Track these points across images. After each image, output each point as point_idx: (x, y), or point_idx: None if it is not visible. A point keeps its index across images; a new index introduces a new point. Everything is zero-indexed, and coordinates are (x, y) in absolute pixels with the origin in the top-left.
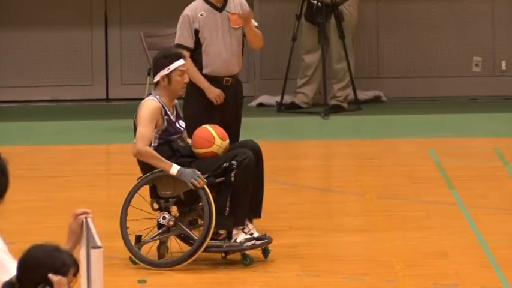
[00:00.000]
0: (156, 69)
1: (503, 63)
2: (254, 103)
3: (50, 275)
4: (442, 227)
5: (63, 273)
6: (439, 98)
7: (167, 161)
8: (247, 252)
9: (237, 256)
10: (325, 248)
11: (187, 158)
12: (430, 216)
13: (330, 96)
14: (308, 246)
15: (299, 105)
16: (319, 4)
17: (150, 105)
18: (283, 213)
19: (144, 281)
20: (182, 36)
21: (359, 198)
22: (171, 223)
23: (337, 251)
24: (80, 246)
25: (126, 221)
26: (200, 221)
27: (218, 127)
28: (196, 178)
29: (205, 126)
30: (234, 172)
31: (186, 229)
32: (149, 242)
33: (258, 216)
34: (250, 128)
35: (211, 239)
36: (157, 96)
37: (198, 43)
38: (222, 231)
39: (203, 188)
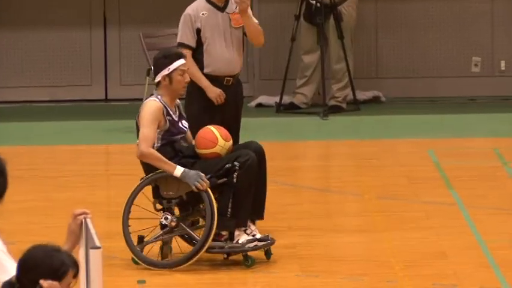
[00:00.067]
0: (156, 70)
1: (503, 64)
2: (253, 103)
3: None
4: (441, 227)
5: (62, 274)
6: (438, 98)
7: (171, 163)
8: (249, 253)
9: (239, 257)
10: (324, 249)
11: (189, 158)
12: (429, 217)
13: (329, 96)
14: (307, 247)
15: (298, 105)
16: (318, 4)
17: (151, 105)
18: (282, 214)
19: (143, 282)
20: (184, 35)
21: (358, 199)
22: (173, 224)
23: (336, 251)
24: (79, 247)
25: (128, 221)
26: (201, 222)
27: (222, 128)
28: (199, 181)
29: (208, 126)
30: (236, 173)
31: (188, 230)
32: (151, 242)
33: (261, 217)
34: (249, 129)
35: (213, 240)
36: (159, 97)
37: (199, 42)
38: (224, 232)
39: (206, 191)
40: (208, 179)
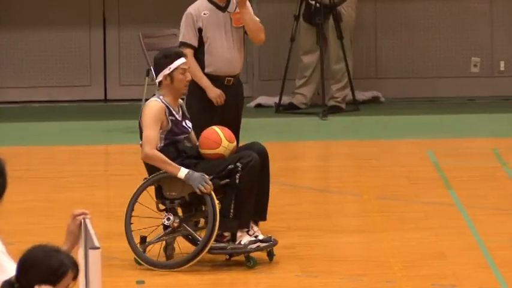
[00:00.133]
0: (157, 69)
1: (502, 64)
2: (252, 104)
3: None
4: (440, 228)
5: (61, 275)
6: (438, 98)
7: (175, 165)
8: (251, 254)
9: (241, 258)
10: (324, 249)
11: (193, 159)
12: (428, 217)
13: (328, 96)
14: (306, 247)
15: (297, 105)
16: (318, 5)
17: (153, 106)
18: (282, 214)
19: (142, 282)
20: (186, 34)
21: (357, 199)
22: (176, 224)
23: (335, 252)
24: (78, 247)
25: (130, 222)
26: (201, 223)
27: (226, 129)
28: (203, 184)
29: (213, 127)
30: (238, 174)
31: (191, 230)
32: (154, 243)
33: (264, 218)
34: (249, 129)
35: (216, 241)
36: (161, 97)
37: (200, 42)
38: (226, 233)
39: (209, 194)
40: (211, 180)
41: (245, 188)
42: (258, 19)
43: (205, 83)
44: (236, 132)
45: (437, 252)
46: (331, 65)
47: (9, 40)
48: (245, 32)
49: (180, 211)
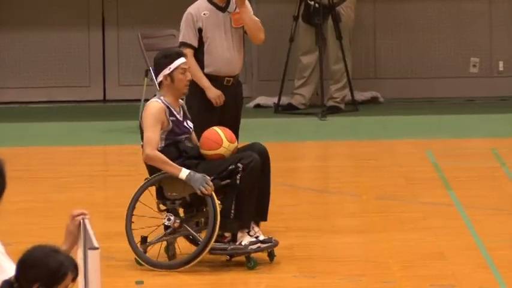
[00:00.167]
0: (157, 70)
1: (501, 64)
2: (251, 104)
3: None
4: (439, 228)
5: (61, 275)
6: (436, 98)
7: (176, 166)
8: (251, 255)
9: (241, 259)
10: (322, 249)
11: (193, 159)
12: (427, 217)
13: (327, 97)
14: (305, 248)
15: (296, 106)
16: (317, 5)
17: (153, 107)
18: (280, 215)
19: (141, 282)
20: (186, 34)
21: (356, 199)
22: (176, 225)
23: (334, 252)
24: (77, 247)
25: (131, 222)
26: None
27: (227, 129)
28: (204, 185)
29: (214, 127)
30: (239, 175)
31: (192, 231)
32: (155, 243)
33: (264, 219)
34: (248, 129)
35: (216, 241)
36: (162, 97)
37: (200, 42)
38: (227, 234)
39: (210, 195)
40: (211, 181)
41: (246, 189)
42: (257, 19)
43: (204, 83)
44: (235, 132)
45: (436, 253)
46: (330, 65)
47: (8, 40)
48: (245, 32)
49: (181, 211)
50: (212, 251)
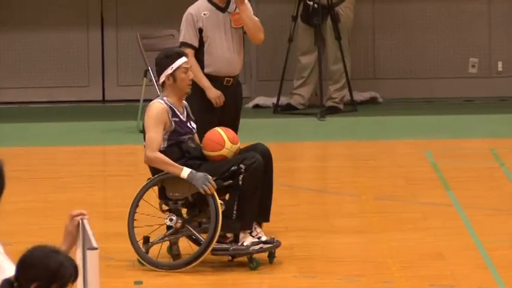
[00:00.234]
0: (159, 70)
1: (500, 64)
2: (250, 104)
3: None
4: (438, 228)
5: (61, 276)
6: (435, 99)
7: (177, 165)
8: (254, 255)
9: (244, 259)
10: (322, 249)
11: (196, 160)
12: (426, 218)
13: (326, 97)
14: (304, 248)
15: (295, 106)
16: (316, 5)
17: (154, 108)
18: (280, 215)
19: (140, 282)
20: (187, 34)
21: (355, 200)
22: (178, 225)
23: (333, 252)
24: (76, 248)
25: (133, 222)
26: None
27: (229, 130)
28: (207, 184)
29: (216, 128)
30: (242, 176)
31: (194, 231)
32: (157, 243)
33: (267, 220)
34: (247, 130)
35: (219, 242)
36: (165, 98)
37: (200, 42)
38: (229, 235)
39: (212, 194)
40: (214, 181)
41: (248, 190)
42: (257, 19)
43: (205, 83)
44: (235, 132)
45: (435, 253)
46: (329, 65)
47: (7, 41)
48: (244, 32)
49: (185, 212)
50: (214, 251)
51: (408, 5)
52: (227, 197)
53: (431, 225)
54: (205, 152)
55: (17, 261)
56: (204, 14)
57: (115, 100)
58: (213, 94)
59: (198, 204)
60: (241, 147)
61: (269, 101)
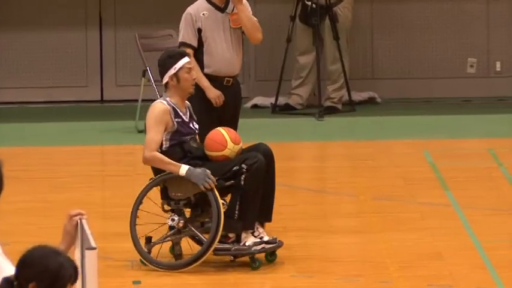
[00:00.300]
0: (163, 70)
1: (498, 64)
2: (248, 104)
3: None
4: (436, 228)
5: (61, 277)
6: (434, 99)
7: (175, 163)
8: (256, 255)
9: (246, 259)
10: (320, 249)
11: (198, 160)
12: (425, 218)
13: (324, 97)
14: (303, 248)
15: (293, 106)
16: (314, 5)
17: (156, 108)
18: (278, 215)
19: (138, 282)
20: (186, 34)
21: (353, 200)
22: (180, 225)
23: (331, 252)
24: (74, 247)
25: (135, 222)
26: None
27: (232, 130)
28: (207, 180)
29: (218, 128)
30: (243, 176)
31: (196, 231)
32: (159, 243)
33: (269, 220)
34: (245, 130)
35: (220, 242)
36: (168, 99)
37: (200, 42)
38: (231, 235)
39: (212, 190)
40: (216, 181)
41: (250, 190)
42: (256, 19)
43: (204, 83)
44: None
45: (433, 253)
46: (327, 65)
47: (6, 41)
48: (243, 32)
49: (189, 212)
50: (216, 251)
51: (406, 5)
52: (229, 197)
53: (430, 225)
54: (208, 152)
55: (16, 261)
56: (203, 14)
57: (113, 100)
58: (213, 94)
59: (200, 204)
60: (243, 147)
61: (267, 101)
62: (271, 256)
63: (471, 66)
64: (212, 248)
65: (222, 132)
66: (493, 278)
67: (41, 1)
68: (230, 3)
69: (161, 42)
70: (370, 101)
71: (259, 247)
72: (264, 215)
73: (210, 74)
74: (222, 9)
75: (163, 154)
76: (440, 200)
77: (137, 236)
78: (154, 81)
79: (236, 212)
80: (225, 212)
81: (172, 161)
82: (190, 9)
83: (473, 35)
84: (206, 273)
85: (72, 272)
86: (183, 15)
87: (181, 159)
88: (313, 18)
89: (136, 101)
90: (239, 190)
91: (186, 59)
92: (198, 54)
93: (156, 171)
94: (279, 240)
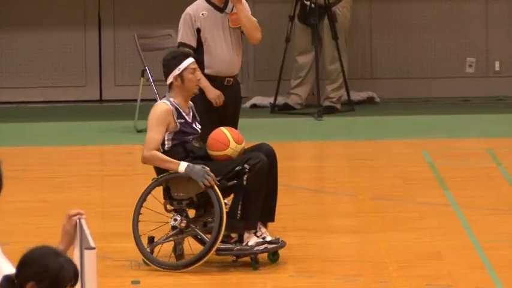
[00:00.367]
0: (167, 71)
1: (497, 64)
2: (247, 104)
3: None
4: (435, 228)
5: (61, 279)
6: (433, 98)
7: (174, 161)
8: (258, 255)
9: (248, 259)
10: (319, 249)
11: (200, 160)
12: (423, 217)
13: (323, 97)
14: (302, 247)
15: (292, 106)
16: (313, 5)
17: (158, 108)
18: (277, 214)
19: (137, 282)
20: (185, 34)
21: (352, 199)
22: (183, 225)
23: (330, 252)
24: (73, 247)
25: (138, 222)
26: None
27: (234, 130)
28: (206, 177)
29: (221, 128)
30: (246, 176)
31: (198, 231)
32: (162, 243)
33: (272, 220)
34: (244, 129)
35: (223, 242)
36: (171, 99)
37: (199, 42)
38: (233, 235)
39: (212, 187)
40: (218, 181)
41: (253, 190)
42: (255, 19)
43: (204, 83)
44: None
45: (432, 253)
46: (326, 65)
47: (4, 41)
48: (242, 32)
49: (192, 212)
50: (218, 251)
51: (405, 5)
52: (232, 196)
53: (429, 225)
54: (210, 152)
55: (15, 261)
56: (202, 14)
57: (112, 100)
58: (213, 94)
59: (202, 204)
60: (245, 147)
61: (266, 100)
62: (273, 256)
63: (470, 66)
64: (214, 248)
65: (225, 131)
66: (492, 278)
67: (40, 1)
68: (229, 3)
69: (160, 42)
70: (369, 100)
71: (261, 247)
72: (267, 215)
73: (210, 75)
74: (221, 9)
75: (165, 154)
76: (439, 200)
77: (139, 235)
78: (153, 81)
79: (238, 212)
80: (227, 212)
81: (171, 159)
82: (189, 9)
83: (472, 35)
84: (208, 273)
85: (72, 273)
86: (182, 15)
87: (183, 159)
88: (312, 18)
89: (135, 100)
90: (241, 190)
91: (190, 60)
92: (197, 54)
93: (159, 171)
94: (281, 240)
